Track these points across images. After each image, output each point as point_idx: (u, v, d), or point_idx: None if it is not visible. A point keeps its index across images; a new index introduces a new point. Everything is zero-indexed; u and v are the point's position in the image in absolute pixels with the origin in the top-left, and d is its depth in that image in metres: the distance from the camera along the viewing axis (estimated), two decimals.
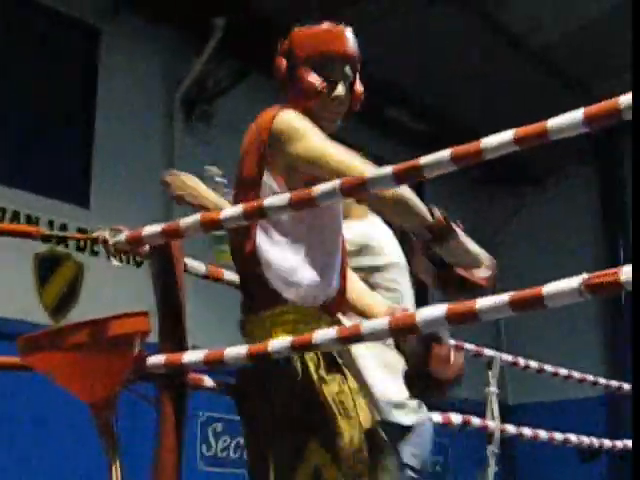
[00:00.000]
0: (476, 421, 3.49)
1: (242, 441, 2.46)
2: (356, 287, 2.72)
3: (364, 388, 2.99)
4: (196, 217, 2.32)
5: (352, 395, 2.37)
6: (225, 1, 9.62)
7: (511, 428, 3.74)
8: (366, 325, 2.05)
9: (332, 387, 2.32)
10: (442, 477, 12.10)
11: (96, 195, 8.86)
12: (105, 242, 2.52)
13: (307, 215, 2.35)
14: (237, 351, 2.20)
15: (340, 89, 2.50)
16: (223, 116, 9.72)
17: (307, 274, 2.40)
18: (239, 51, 9.94)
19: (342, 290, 2.54)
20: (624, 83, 2.72)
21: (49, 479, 7.47)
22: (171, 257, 2.58)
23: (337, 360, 2.41)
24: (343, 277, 2.55)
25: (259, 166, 2.40)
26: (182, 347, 2.48)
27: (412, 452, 3.26)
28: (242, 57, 10.04)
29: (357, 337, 2.06)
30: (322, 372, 2.32)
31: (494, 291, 2.10)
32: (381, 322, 2.02)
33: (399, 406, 3.26)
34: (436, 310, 1.91)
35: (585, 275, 1.69)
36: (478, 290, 2.21)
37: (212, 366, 2.30)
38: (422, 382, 2.43)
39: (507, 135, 1.87)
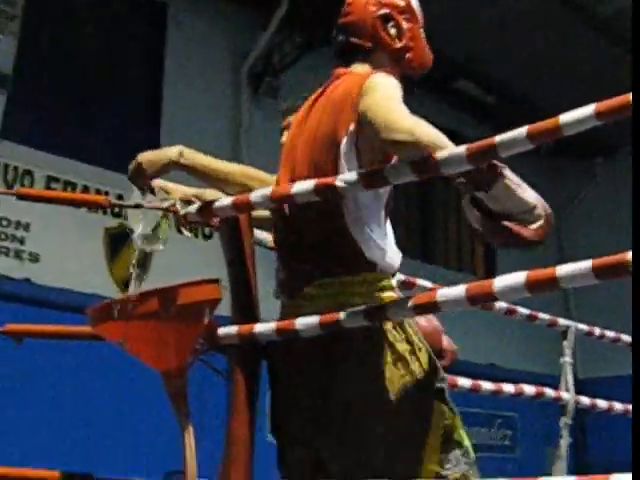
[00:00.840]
0: (549, 392, 3.42)
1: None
2: None
3: None
4: (265, 191, 2.28)
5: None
6: None
7: (585, 399, 3.67)
8: (441, 293, 1.99)
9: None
10: (512, 450, 12.10)
11: None
12: (176, 212, 2.50)
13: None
14: (309, 321, 2.16)
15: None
16: (289, 89, 9.69)
17: (390, 243, 2.39)
18: (303, 25, 10.00)
19: None
20: None
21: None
22: (240, 229, 2.56)
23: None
24: None
25: (345, 125, 2.29)
26: (254, 318, 2.45)
27: None
28: (306, 31, 10.07)
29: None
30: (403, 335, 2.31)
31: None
32: (458, 290, 1.96)
33: None
34: (516, 277, 1.85)
35: None
36: (527, 244, 2.08)
37: (284, 336, 2.27)
38: None
39: (587, 110, 1.77)
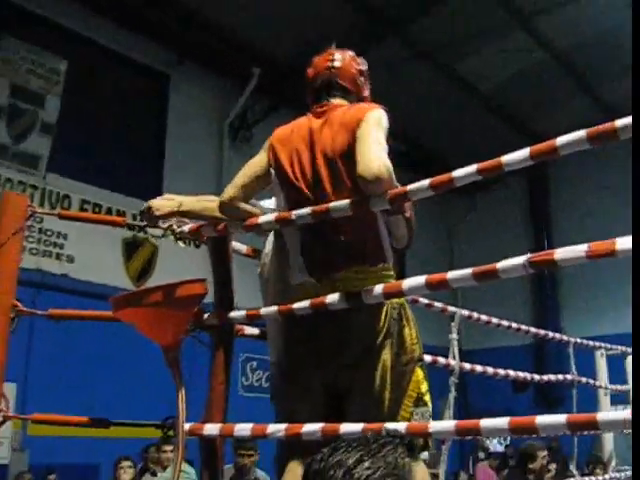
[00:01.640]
0: (442, 360, 3.46)
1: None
2: None
3: None
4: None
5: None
6: (260, 55, 9.72)
7: (467, 365, 3.71)
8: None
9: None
10: None
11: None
12: (173, 231, 2.49)
13: None
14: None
15: None
16: (259, 139, 9.67)
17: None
18: (271, 91, 10.02)
19: None
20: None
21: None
22: (222, 241, 2.56)
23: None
24: None
25: (354, 138, 2.21)
26: (230, 306, 2.46)
27: None
28: (272, 96, 10.13)
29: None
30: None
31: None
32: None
33: None
34: (418, 279, 1.87)
35: (529, 254, 1.66)
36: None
37: (251, 321, 2.27)
38: None
39: (472, 168, 1.80)
